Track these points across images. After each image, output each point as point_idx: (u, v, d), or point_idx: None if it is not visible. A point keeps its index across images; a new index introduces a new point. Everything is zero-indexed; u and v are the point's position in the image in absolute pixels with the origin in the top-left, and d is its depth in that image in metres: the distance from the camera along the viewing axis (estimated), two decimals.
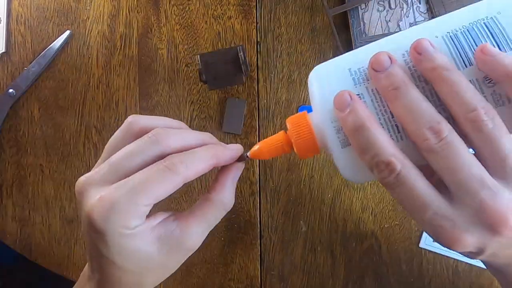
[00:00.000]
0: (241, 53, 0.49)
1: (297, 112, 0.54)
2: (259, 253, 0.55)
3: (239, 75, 0.51)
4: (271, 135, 0.54)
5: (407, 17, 0.51)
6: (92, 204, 0.28)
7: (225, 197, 0.32)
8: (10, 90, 0.55)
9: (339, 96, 0.27)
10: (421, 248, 0.53)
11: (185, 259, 0.31)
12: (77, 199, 0.30)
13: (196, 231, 0.30)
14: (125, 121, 0.31)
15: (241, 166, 0.33)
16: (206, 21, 0.55)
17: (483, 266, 0.52)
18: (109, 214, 0.27)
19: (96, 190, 0.29)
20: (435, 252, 0.53)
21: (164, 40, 0.55)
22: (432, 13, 0.49)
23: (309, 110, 0.53)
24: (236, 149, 0.32)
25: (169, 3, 0.55)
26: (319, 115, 0.28)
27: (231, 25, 0.55)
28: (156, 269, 0.30)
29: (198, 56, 0.49)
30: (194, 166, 0.29)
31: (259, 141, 0.55)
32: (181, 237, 0.30)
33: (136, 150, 0.29)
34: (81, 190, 0.30)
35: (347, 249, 0.54)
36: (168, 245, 0.29)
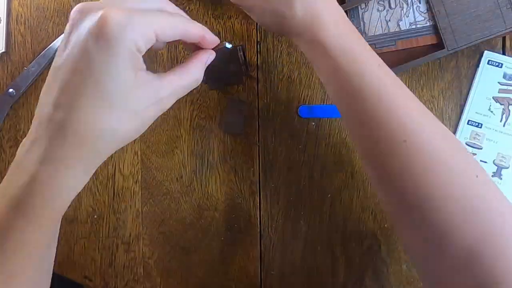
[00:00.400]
0: (241, 53, 0.49)
1: (297, 112, 0.54)
2: (259, 253, 0.55)
3: (239, 75, 0.51)
4: (272, 135, 0.54)
5: (407, 16, 0.51)
6: (110, 11, 0.28)
7: (197, 72, 0.37)
8: (10, 90, 0.55)
9: None
10: None
11: (156, 113, 0.34)
12: (71, 20, 0.31)
13: (169, 86, 0.34)
14: None
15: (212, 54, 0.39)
16: (206, 21, 0.55)
17: None
18: (127, 25, 0.29)
19: (113, 6, 0.30)
20: None
21: None
22: (432, 13, 0.49)
23: (309, 110, 0.53)
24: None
25: None
26: None
27: (231, 25, 0.55)
28: (129, 110, 0.31)
29: None
30: (193, 31, 0.35)
31: (258, 141, 0.55)
32: (159, 86, 0.33)
33: None
34: (83, 8, 0.31)
35: (347, 249, 0.54)
36: (146, 88, 0.32)
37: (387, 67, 0.38)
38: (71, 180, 0.31)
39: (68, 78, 0.30)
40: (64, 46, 0.31)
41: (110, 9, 0.29)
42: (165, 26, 0.31)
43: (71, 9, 0.55)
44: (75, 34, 0.30)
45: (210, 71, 0.48)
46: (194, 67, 0.36)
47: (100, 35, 0.28)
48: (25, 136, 0.55)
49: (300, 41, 0.39)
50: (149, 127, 0.55)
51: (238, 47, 0.48)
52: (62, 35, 0.55)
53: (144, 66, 0.32)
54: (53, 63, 0.31)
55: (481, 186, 0.35)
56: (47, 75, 0.55)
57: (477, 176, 0.35)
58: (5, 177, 0.32)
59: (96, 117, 0.30)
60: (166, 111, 0.55)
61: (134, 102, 0.31)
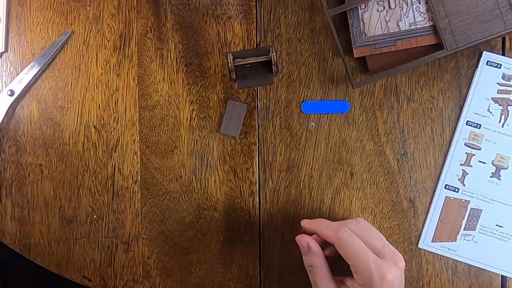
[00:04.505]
0: (273, 54, 0.48)
1: (300, 110, 0.54)
2: (258, 253, 0.55)
3: (269, 76, 0.50)
4: (270, 135, 0.54)
5: (407, 17, 0.51)
6: None
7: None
8: (10, 90, 0.55)
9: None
10: (420, 248, 0.53)
11: None
12: None
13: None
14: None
15: None
16: (206, 21, 0.55)
17: (482, 266, 0.52)
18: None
19: None
20: (434, 253, 0.53)
21: (164, 40, 0.55)
22: (431, 13, 0.49)
23: (311, 105, 0.53)
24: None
25: (169, 3, 0.55)
26: None
27: (231, 25, 0.55)
28: None
29: (230, 53, 0.48)
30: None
31: (258, 141, 0.55)
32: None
33: None
34: None
35: None
36: None
37: None
38: None
39: None
40: None
41: None
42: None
43: (71, 9, 0.56)
44: None
45: (240, 70, 0.48)
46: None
47: None
48: (25, 136, 0.55)
49: None
50: (149, 127, 0.55)
51: (270, 47, 0.47)
52: (62, 36, 0.56)
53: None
54: None
55: None
56: (46, 75, 0.56)
57: None
58: None
59: None
60: (166, 111, 0.55)
61: None
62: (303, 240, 0.46)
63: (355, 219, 0.47)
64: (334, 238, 0.44)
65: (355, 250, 0.43)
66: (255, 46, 0.54)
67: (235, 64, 0.47)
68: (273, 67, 0.48)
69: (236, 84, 0.53)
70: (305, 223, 0.49)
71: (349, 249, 0.43)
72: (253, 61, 0.47)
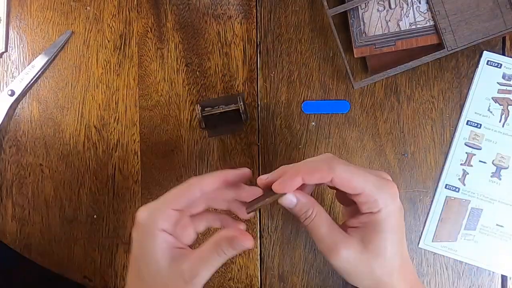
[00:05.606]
0: (241, 103, 0.50)
1: (300, 110, 0.54)
2: (259, 253, 0.55)
3: (239, 123, 0.52)
4: (271, 135, 0.54)
5: (407, 16, 0.51)
6: (139, 210, 0.39)
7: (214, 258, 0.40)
8: (10, 90, 0.55)
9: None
10: (420, 248, 0.53)
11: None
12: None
13: (199, 274, 0.38)
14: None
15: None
16: (206, 21, 0.55)
17: (482, 266, 0.52)
18: (147, 214, 0.38)
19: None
20: (434, 252, 0.53)
21: (164, 40, 0.55)
22: (432, 13, 0.49)
23: (312, 105, 0.53)
24: (242, 170, 0.41)
25: (169, 3, 0.55)
26: None
27: (231, 25, 0.55)
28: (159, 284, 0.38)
29: (198, 105, 0.51)
30: (205, 179, 0.39)
31: (258, 141, 0.55)
32: (186, 272, 0.38)
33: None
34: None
35: None
36: (176, 271, 0.38)
37: None
38: None
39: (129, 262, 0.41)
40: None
41: (140, 209, 0.39)
42: (180, 201, 0.39)
43: (71, 8, 0.56)
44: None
45: (209, 119, 0.50)
46: (210, 253, 0.39)
47: (134, 225, 0.39)
48: (25, 136, 0.55)
49: None
50: (149, 127, 0.55)
51: (238, 96, 0.50)
52: (62, 36, 0.56)
53: (179, 245, 0.40)
54: None
55: None
56: (47, 75, 0.56)
57: None
58: None
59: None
60: (166, 111, 0.55)
61: (164, 281, 0.38)
62: (287, 197, 0.39)
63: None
64: (330, 170, 0.37)
65: (360, 175, 0.37)
66: (255, 46, 0.54)
67: (203, 115, 0.50)
68: (241, 115, 0.51)
69: (207, 132, 0.54)
70: (275, 176, 0.40)
71: (353, 176, 0.37)
72: (222, 111, 0.49)
